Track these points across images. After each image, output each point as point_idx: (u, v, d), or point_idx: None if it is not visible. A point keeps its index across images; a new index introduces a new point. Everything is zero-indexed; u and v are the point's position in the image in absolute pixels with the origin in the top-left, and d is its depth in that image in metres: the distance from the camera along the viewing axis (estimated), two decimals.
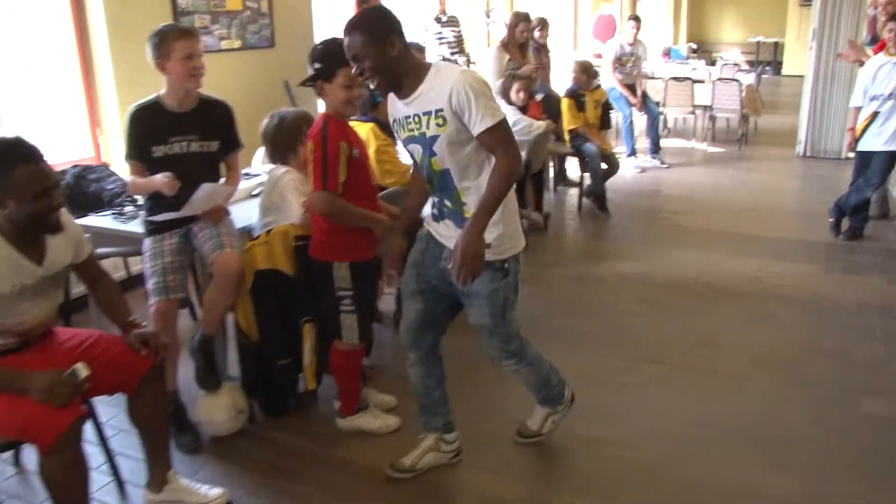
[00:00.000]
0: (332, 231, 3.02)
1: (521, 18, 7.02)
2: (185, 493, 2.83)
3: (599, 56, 9.14)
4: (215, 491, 2.85)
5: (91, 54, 4.95)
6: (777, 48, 20.43)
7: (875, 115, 5.67)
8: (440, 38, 8.27)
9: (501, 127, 2.51)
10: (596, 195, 6.74)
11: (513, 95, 5.96)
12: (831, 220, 6.16)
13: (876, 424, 3.39)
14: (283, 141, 3.52)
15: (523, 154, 5.66)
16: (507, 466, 3.12)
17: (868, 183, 5.82)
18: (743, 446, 3.21)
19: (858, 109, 5.82)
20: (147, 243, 3.32)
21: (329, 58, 2.89)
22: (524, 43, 7.06)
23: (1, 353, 2.53)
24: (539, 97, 6.80)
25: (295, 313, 3.26)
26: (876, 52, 5.93)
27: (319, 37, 7.02)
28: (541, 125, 5.90)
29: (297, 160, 3.50)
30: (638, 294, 4.87)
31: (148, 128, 3.25)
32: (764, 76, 16.51)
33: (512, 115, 5.71)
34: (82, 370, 2.41)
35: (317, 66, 2.92)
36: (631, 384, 3.75)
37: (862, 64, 5.95)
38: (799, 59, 19.34)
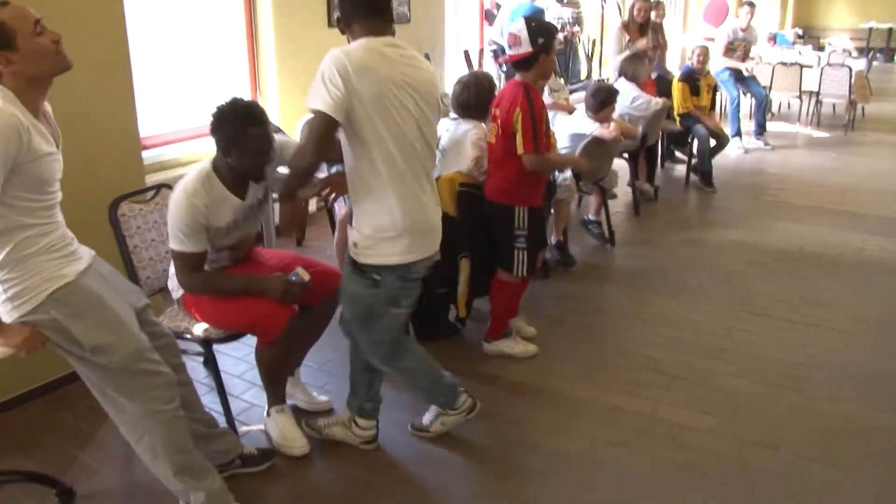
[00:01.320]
0: (518, 182, 3.55)
1: None
2: (300, 389, 3.39)
3: (711, 39, 9.40)
4: (322, 398, 3.39)
5: (257, 29, 5.63)
6: (890, 34, 19.91)
7: None
8: (558, 20, 8.72)
9: (314, 116, 2.48)
10: (703, 172, 7.10)
11: (633, 72, 6.32)
12: None
13: None
14: (484, 100, 4.04)
15: (640, 129, 6.10)
16: (631, 386, 3.61)
17: None
18: (839, 383, 3.63)
19: None
20: None
21: (548, 34, 3.43)
22: (644, 23, 7.44)
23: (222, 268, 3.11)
24: (654, 76, 7.17)
25: (454, 250, 3.80)
26: None
27: (448, 14, 7.61)
28: (658, 101, 6.29)
29: (484, 117, 4.04)
30: (747, 258, 5.28)
31: None
32: (875, 63, 16.26)
33: (631, 91, 6.13)
34: (304, 273, 2.98)
35: (541, 41, 3.38)
36: (739, 330, 4.20)
37: None
38: None
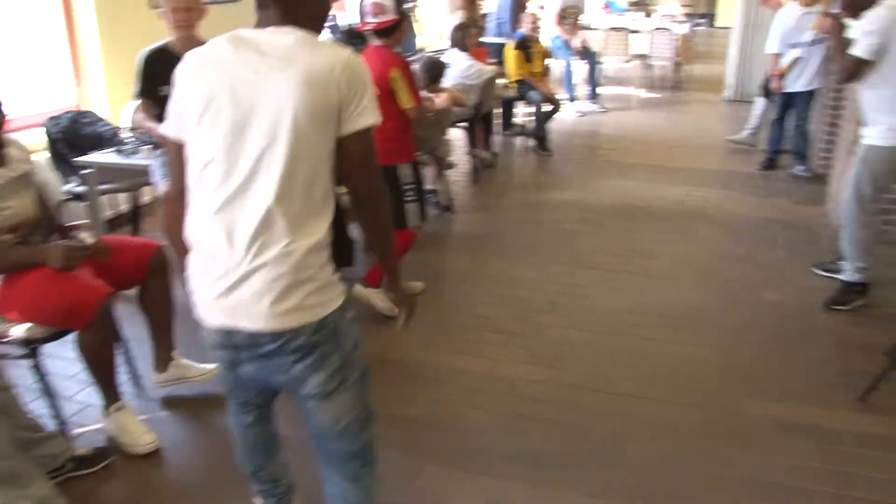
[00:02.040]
0: (398, 139, 3.82)
1: None
2: (186, 368, 3.33)
3: (542, 7, 9.70)
4: (210, 365, 3.30)
5: (73, 11, 5.32)
6: (713, 2, 21.14)
7: (797, 60, 6.36)
8: None
9: None
10: (538, 136, 7.35)
11: (465, 42, 6.46)
12: (763, 158, 6.90)
13: (774, 309, 4.11)
14: None
15: (473, 97, 6.25)
16: (470, 346, 3.74)
17: (804, 122, 6.52)
18: (668, 328, 3.90)
19: (777, 56, 6.49)
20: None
21: (405, 2, 3.88)
22: None
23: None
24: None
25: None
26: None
27: None
28: (490, 69, 6.45)
29: None
30: (579, 216, 5.53)
31: (155, 70, 3.74)
32: (699, 28, 17.23)
33: (464, 60, 6.25)
34: (87, 237, 2.90)
35: (403, 8, 3.80)
36: (571, 284, 4.41)
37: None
38: (731, 12, 20.15)
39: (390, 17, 3.72)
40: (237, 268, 1.73)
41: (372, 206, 1.92)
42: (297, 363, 1.81)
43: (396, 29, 3.78)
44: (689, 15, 18.43)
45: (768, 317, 4.03)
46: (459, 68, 6.16)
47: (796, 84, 6.39)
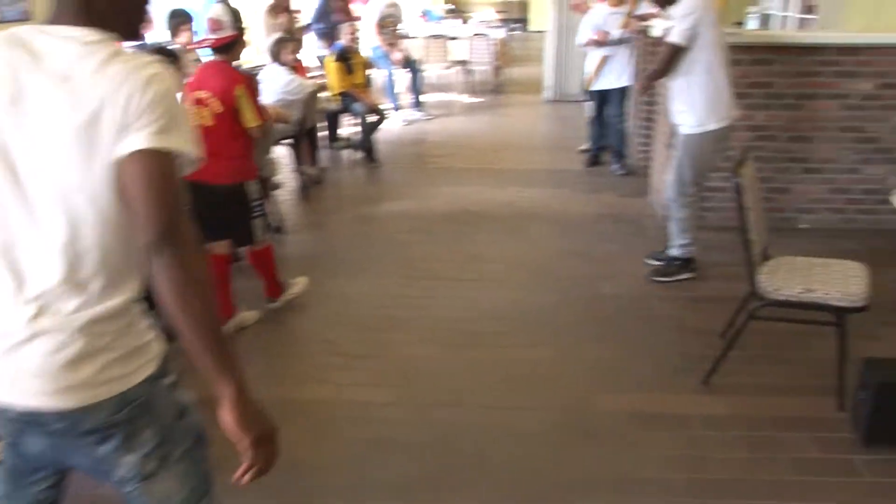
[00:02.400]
0: (246, 157, 3.76)
1: None
2: None
3: (359, 18, 9.55)
4: None
5: None
6: (524, 6, 21.91)
7: (606, 58, 6.56)
8: None
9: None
10: (366, 148, 7.20)
11: (283, 56, 6.21)
12: (587, 155, 7.08)
13: (612, 302, 4.16)
14: None
15: (296, 112, 6.02)
16: (314, 374, 3.52)
17: (619, 119, 6.73)
18: (511, 332, 3.84)
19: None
20: None
21: (238, 12, 3.75)
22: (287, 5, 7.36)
23: None
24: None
25: None
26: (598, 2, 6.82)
27: None
28: (311, 84, 6.25)
29: None
30: (412, 225, 5.42)
31: None
32: (514, 32, 17.73)
33: (285, 74, 6.01)
34: None
35: (239, 25, 3.72)
36: (411, 297, 4.27)
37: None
38: (543, 16, 20.96)
39: (228, 32, 3.65)
40: (13, 332, 1.38)
41: (174, 279, 1.33)
42: (101, 445, 1.45)
43: (235, 44, 3.73)
44: (503, 20, 18.98)
45: (608, 310, 4.08)
46: (280, 84, 5.91)
47: (607, 81, 6.61)
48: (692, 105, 3.98)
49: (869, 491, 2.69)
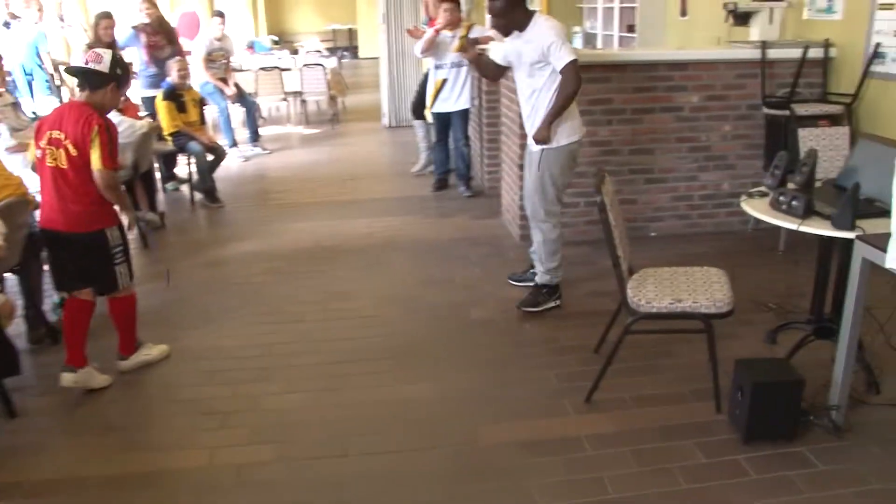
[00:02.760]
0: (101, 202, 3.47)
1: (102, 17, 6.99)
2: None
3: (188, 53, 9.13)
4: None
5: None
6: (352, 34, 21.93)
7: (444, 81, 6.58)
8: None
9: None
10: (206, 188, 6.84)
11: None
12: (434, 180, 7.07)
13: (483, 328, 4.11)
14: None
15: (129, 155, 5.63)
16: (182, 438, 3.22)
17: (463, 142, 6.73)
18: (384, 370, 3.69)
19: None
20: None
21: (126, 73, 3.67)
22: (111, 42, 6.90)
23: None
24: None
25: None
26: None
27: None
28: (143, 125, 5.87)
29: None
30: (267, 266, 5.15)
31: None
32: (344, 60, 17.69)
33: (113, 116, 5.59)
34: None
35: (118, 72, 3.50)
36: (276, 343, 4.02)
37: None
38: (372, 42, 21.12)
39: (103, 69, 3.44)
40: None
41: None
42: None
43: (106, 85, 3.47)
44: (332, 49, 18.92)
45: (480, 336, 4.02)
46: None
47: (447, 105, 6.63)
48: (557, 122, 3.99)
49: (756, 488, 2.76)
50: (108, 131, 3.43)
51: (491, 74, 4.52)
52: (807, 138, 5.01)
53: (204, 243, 5.88)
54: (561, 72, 3.86)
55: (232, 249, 5.59)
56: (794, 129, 4.99)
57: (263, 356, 3.89)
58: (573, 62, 3.84)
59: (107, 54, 3.51)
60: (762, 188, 3.61)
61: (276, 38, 18.24)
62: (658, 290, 3.23)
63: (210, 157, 6.92)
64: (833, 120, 5.18)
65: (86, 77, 3.48)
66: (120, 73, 3.54)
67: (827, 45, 5.31)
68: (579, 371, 3.56)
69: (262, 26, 20.22)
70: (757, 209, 3.33)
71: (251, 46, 14.86)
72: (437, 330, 4.11)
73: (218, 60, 8.74)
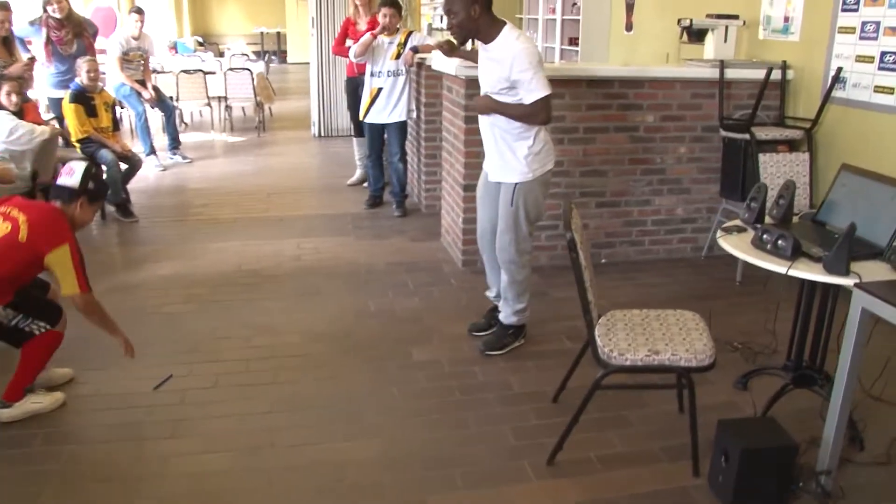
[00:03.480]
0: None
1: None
2: None
3: (103, 52, 8.44)
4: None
5: None
6: (280, 38, 21.27)
7: (379, 90, 6.13)
8: None
9: None
10: (118, 202, 6.23)
11: (3, 99, 5.18)
12: (367, 197, 6.62)
13: (427, 371, 3.66)
14: None
15: (28, 165, 5.05)
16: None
17: (398, 157, 6.29)
18: (317, 426, 3.21)
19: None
20: None
21: (102, 191, 3.51)
22: (7, 36, 6.21)
23: None
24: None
25: None
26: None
27: None
28: (44, 130, 5.26)
29: None
30: (185, 293, 4.60)
31: None
32: (272, 65, 17.04)
33: (8, 121, 4.99)
34: None
35: (91, 187, 3.28)
36: (193, 389, 3.50)
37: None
38: (301, 47, 20.53)
39: (73, 184, 3.24)
40: None
41: None
42: None
43: (75, 199, 3.24)
44: (259, 52, 18.27)
45: (425, 382, 3.58)
46: (3, 132, 4.91)
47: (381, 116, 6.20)
48: (530, 152, 3.57)
49: None
50: (79, 252, 3.19)
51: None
52: (767, 164, 4.77)
53: (113, 265, 5.27)
54: (530, 105, 3.42)
55: (146, 272, 5.01)
56: (755, 154, 4.75)
57: (177, 405, 3.37)
58: (546, 98, 3.39)
59: (79, 167, 3.30)
60: (738, 223, 3.30)
61: (201, 40, 17.47)
62: (631, 339, 2.87)
63: (123, 167, 6.32)
64: (791, 145, 4.96)
65: (56, 192, 3.28)
66: (92, 188, 3.30)
67: (785, 66, 5.09)
68: (538, 425, 3.17)
69: (186, 27, 19.39)
70: (737, 248, 3.00)
71: (174, 47, 14.14)
72: (376, 372, 3.66)
73: (135, 61, 8.10)
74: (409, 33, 6.24)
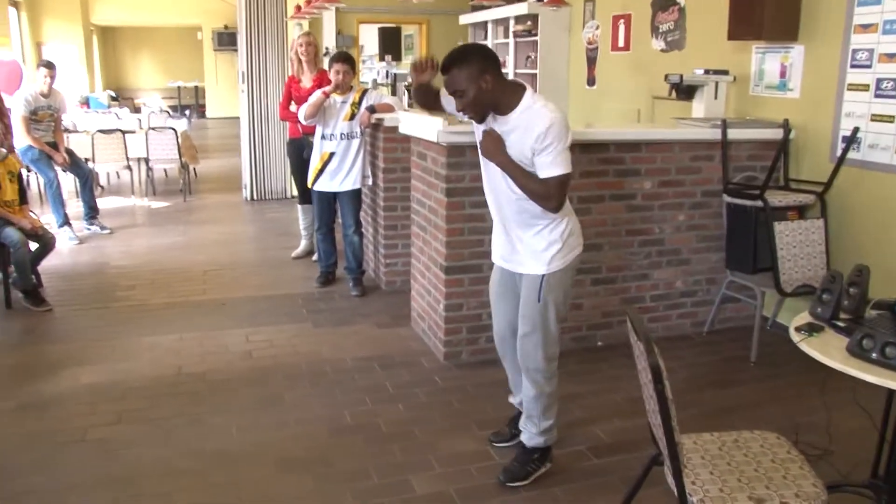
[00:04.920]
0: None
1: None
2: None
3: (8, 111, 7.50)
4: None
5: None
6: (198, 91, 20.44)
7: (331, 154, 5.47)
8: None
9: None
10: (27, 289, 5.32)
11: None
12: (319, 274, 5.89)
13: (427, 502, 2.95)
14: None
15: None
16: None
17: (353, 229, 5.60)
18: None
19: None
20: None
21: None
22: None
23: None
24: None
25: None
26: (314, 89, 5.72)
27: None
28: None
29: None
30: (112, 411, 3.74)
31: None
32: (191, 120, 16.20)
33: None
34: None
35: None
36: None
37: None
38: (221, 100, 19.73)
39: None
40: None
41: None
42: None
43: None
44: (176, 107, 17.38)
45: None
46: None
47: (333, 183, 5.53)
48: (559, 238, 2.95)
49: None
50: None
51: (427, 103, 3.27)
52: (783, 233, 4.30)
53: (21, 371, 4.33)
54: (543, 180, 2.79)
55: (65, 380, 4.13)
56: (770, 223, 4.27)
57: None
58: (566, 178, 2.78)
59: None
60: (811, 320, 2.74)
61: (114, 94, 16.47)
62: (721, 483, 2.24)
63: (33, 246, 5.43)
64: (800, 211, 4.51)
65: None
66: None
67: (787, 125, 4.66)
68: None
69: (98, 80, 18.33)
70: (831, 357, 2.43)
71: (85, 102, 13.17)
72: None
73: (44, 120, 7.21)
74: (364, 91, 5.62)
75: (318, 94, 5.36)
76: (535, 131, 2.74)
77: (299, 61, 6.16)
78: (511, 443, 3.34)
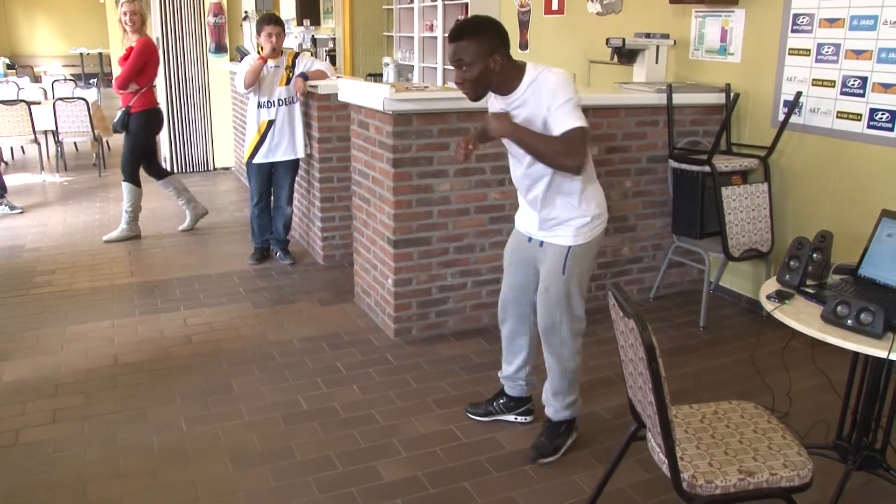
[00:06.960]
0: None
1: None
2: None
3: None
4: None
5: None
6: (103, 59, 19.48)
7: (270, 123, 5.22)
8: None
9: None
10: None
11: None
12: (254, 251, 5.66)
13: (404, 495, 2.83)
14: None
15: None
16: None
17: (288, 200, 5.42)
18: None
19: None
20: None
21: None
22: None
23: None
24: None
25: None
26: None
27: None
28: None
29: None
30: (48, 409, 3.47)
31: None
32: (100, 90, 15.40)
33: None
34: None
35: None
36: None
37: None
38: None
39: None
40: None
41: None
42: None
43: None
44: (78, 75, 16.50)
45: None
46: None
47: (275, 153, 5.31)
48: (587, 208, 2.88)
49: None
50: None
51: None
52: (730, 198, 4.32)
53: None
54: (560, 136, 2.62)
55: None
56: (718, 188, 4.27)
57: None
58: (582, 130, 2.60)
59: None
60: (779, 287, 2.72)
61: (10, 62, 15.50)
62: (709, 456, 2.20)
63: None
64: (744, 176, 4.53)
65: None
66: None
67: (729, 90, 4.66)
68: None
69: None
70: (807, 325, 2.41)
71: None
72: (341, 495, 2.79)
73: None
74: (296, 55, 5.38)
75: (257, 61, 5.09)
76: (546, 92, 2.65)
77: (124, 30, 5.78)
78: (486, 419, 3.32)
